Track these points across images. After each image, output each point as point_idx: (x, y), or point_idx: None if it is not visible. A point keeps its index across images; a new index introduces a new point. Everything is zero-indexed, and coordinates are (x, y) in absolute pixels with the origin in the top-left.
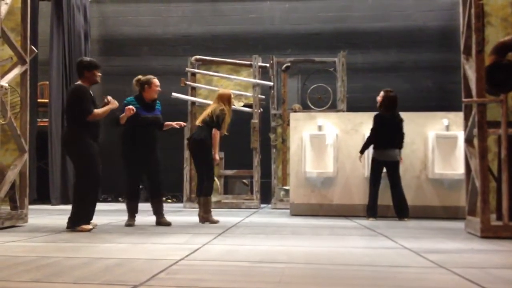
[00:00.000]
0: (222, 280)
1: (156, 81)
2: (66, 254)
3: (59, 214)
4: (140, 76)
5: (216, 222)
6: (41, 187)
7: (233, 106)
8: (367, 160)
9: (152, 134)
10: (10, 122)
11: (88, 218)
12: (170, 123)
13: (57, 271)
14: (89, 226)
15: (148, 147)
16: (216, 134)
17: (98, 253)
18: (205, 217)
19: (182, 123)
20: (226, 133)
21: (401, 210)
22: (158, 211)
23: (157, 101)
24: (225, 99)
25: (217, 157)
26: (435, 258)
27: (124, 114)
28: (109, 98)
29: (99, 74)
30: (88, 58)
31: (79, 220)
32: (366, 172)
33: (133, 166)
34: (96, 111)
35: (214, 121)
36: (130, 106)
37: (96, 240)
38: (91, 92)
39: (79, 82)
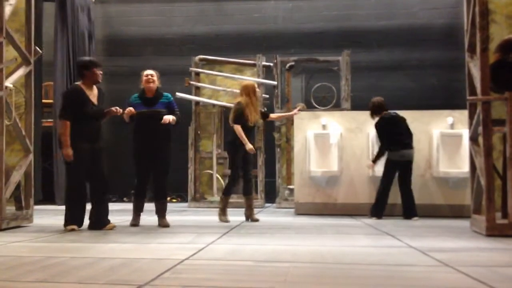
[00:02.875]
0: (227, 280)
1: (144, 72)
2: (71, 254)
3: (64, 215)
4: None
5: (256, 220)
6: (46, 187)
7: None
8: (371, 159)
9: (154, 129)
10: (15, 122)
11: (72, 219)
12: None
13: (62, 271)
14: (72, 227)
15: (152, 143)
16: (236, 128)
17: (103, 253)
18: (247, 215)
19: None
20: (251, 124)
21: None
22: (159, 212)
23: (166, 94)
24: (244, 90)
25: (248, 146)
26: (440, 257)
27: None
28: (116, 109)
29: (100, 72)
30: (87, 58)
31: (66, 220)
32: (371, 171)
33: (139, 163)
34: (64, 125)
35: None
36: (128, 109)
37: (101, 240)
38: (89, 93)
39: (76, 83)
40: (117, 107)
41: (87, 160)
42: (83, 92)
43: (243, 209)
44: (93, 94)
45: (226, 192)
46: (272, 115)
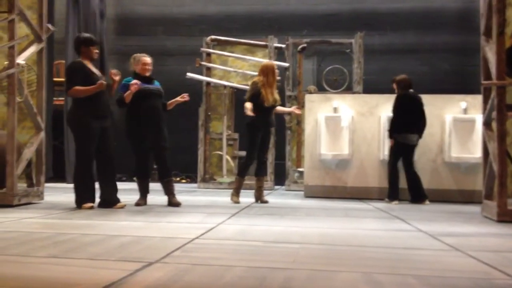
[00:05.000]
0: (236, 259)
1: (142, 58)
2: (82, 231)
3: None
4: (137, 54)
5: (266, 202)
6: (57, 165)
7: (247, 87)
8: (382, 142)
9: (156, 107)
10: (27, 100)
11: (87, 197)
12: (173, 100)
13: (73, 247)
14: (89, 205)
15: (153, 121)
16: (245, 104)
17: (114, 231)
18: (257, 196)
19: (185, 96)
20: (267, 105)
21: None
22: (168, 191)
23: (156, 81)
24: (261, 70)
25: (248, 113)
26: (451, 241)
27: (129, 91)
28: (114, 71)
29: (96, 50)
30: (86, 34)
31: (80, 199)
32: (382, 155)
33: (139, 143)
34: (77, 88)
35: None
36: (134, 81)
37: (111, 218)
38: (91, 67)
39: (77, 59)
40: (114, 70)
41: (96, 138)
42: (85, 65)
43: (253, 191)
44: (94, 69)
45: (241, 173)
46: (278, 108)
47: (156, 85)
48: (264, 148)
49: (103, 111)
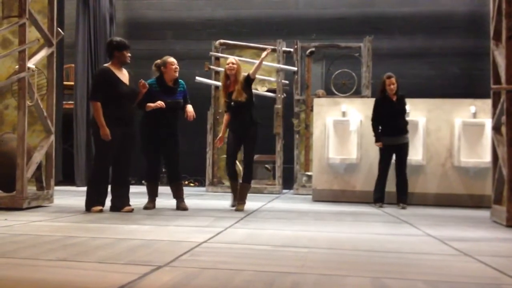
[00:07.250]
0: (245, 263)
1: (171, 60)
2: (91, 234)
3: (83, 196)
4: (157, 61)
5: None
6: (67, 169)
7: (256, 91)
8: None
9: (171, 118)
10: (37, 103)
11: (97, 200)
12: (187, 110)
13: (83, 251)
14: (98, 208)
15: (167, 130)
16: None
17: (123, 234)
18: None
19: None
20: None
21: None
22: (177, 195)
23: (181, 81)
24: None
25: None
26: (460, 246)
27: (151, 104)
28: (142, 82)
29: (129, 54)
30: (118, 38)
31: (90, 202)
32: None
33: (151, 148)
34: (96, 110)
35: None
36: (160, 103)
37: (120, 221)
38: (119, 74)
39: (106, 64)
40: (142, 80)
41: (116, 145)
42: (113, 73)
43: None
44: (123, 75)
45: (228, 177)
46: (252, 72)
47: (180, 91)
48: (246, 150)
49: (125, 120)
